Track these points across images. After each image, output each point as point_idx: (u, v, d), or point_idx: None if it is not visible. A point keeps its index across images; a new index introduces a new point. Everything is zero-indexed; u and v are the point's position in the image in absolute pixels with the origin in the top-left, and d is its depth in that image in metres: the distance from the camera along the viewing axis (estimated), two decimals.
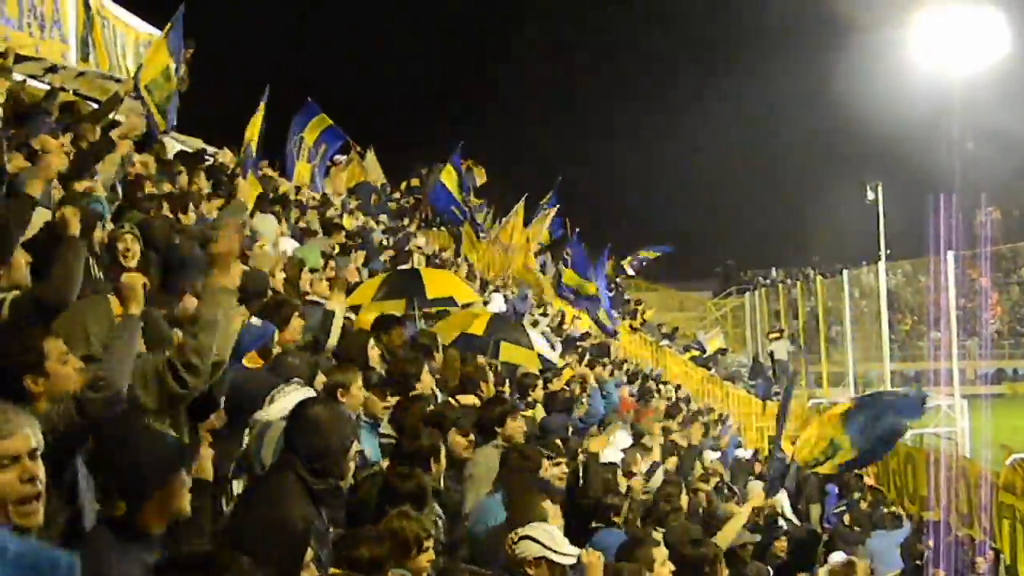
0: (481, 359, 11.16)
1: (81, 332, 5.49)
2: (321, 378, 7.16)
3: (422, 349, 9.41)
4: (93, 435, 4.39)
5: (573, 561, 6.09)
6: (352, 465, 5.31)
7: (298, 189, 20.57)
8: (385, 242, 20.35)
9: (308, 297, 10.41)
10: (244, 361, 7.07)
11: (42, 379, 4.51)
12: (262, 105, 17.10)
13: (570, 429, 11.67)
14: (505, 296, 21.91)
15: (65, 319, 5.71)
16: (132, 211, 9.77)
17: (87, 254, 7.03)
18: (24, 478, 3.41)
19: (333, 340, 8.55)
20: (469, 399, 9.39)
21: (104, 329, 5.53)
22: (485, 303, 17.42)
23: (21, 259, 6.47)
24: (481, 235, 29.38)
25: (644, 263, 42.16)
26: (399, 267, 13.75)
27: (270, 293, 9.14)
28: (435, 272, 13.27)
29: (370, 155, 29.42)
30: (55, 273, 6.17)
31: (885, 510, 19.21)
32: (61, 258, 6.23)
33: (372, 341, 8.66)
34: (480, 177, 32.85)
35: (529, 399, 12.06)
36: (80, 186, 8.98)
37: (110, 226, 8.61)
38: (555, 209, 32.34)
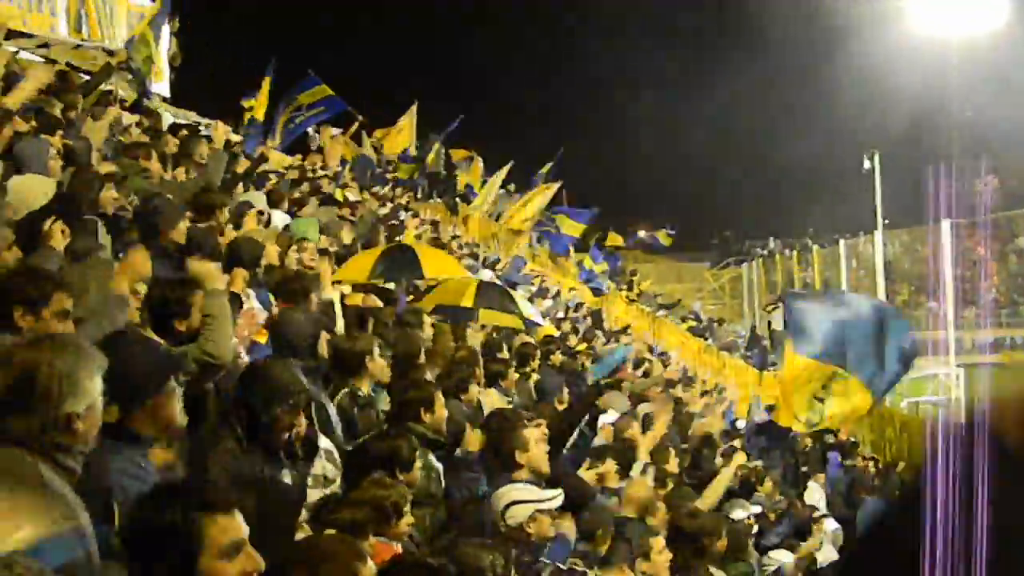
0: (473, 338, 11.05)
1: (81, 289, 5.46)
2: (325, 336, 7.18)
3: (407, 325, 9.37)
4: None
5: (560, 501, 6.25)
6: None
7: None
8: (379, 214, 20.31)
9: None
10: (257, 336, 7.14)
11: (31, 318, 4.60)
12: (267, 79, 16.96)
13: (565, 391, 11.66)
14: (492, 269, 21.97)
15: (68, 275, 5.74)
16: (133, 178, 9.79)
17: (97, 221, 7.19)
18: None
19: (339, 327, 8.53)
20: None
21: (102, 293, 5.59)
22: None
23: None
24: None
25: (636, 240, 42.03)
26: (391, 244, 13.56)
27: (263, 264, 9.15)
28: (429, 250, 13.13)
29: (408, 121, 29.37)
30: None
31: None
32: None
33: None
34: (475, 173, 32.97)
35: (528, 368, 12.06)
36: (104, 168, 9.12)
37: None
38: (557, 185, 32.46)
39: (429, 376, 8.54)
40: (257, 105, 16.59)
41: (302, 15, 57.13)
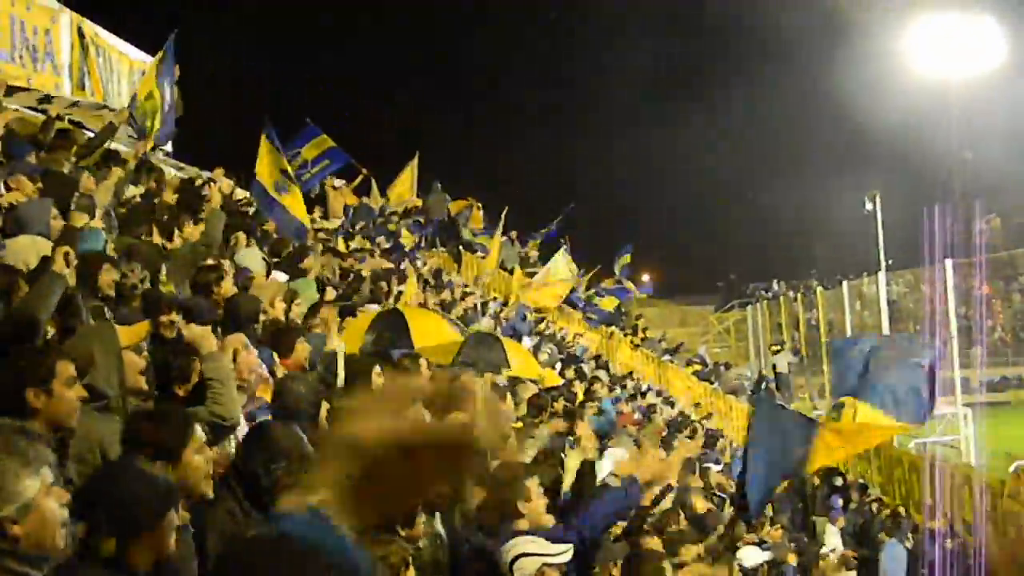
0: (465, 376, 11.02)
1: (87, 359, 5.51)
2: (326, 406, 7.19)
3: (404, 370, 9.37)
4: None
5: (570, 556, 6.21)
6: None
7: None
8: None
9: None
10: (261, 392, 7.14)
11: (44, 396, 4.62)
12: (263, 139, 16.78)
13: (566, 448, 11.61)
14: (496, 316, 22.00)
15: (73, 345, 5.77)
16: (120, 236, 9.83)
17: (96, 299, 7.18)
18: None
19: (340, 380, 8.55)
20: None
21: (111, 359, 5.60)
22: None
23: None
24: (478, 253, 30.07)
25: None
26: (382, 311, 13.52)
27: (263, 320, 9.17)
28: (418, 313, 13.09)
29: (409, 170, 29.60)
30: (28, 300, 6.24)
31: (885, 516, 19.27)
32: (37, 287, 6.30)
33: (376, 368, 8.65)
34: (476, 221, 33.15)
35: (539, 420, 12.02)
36: (78, 221, 9.07)
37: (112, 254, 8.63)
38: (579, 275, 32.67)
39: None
40: (260, 168, 16.54)
41: (302, 15, 57.51)
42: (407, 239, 27.17)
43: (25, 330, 5.81)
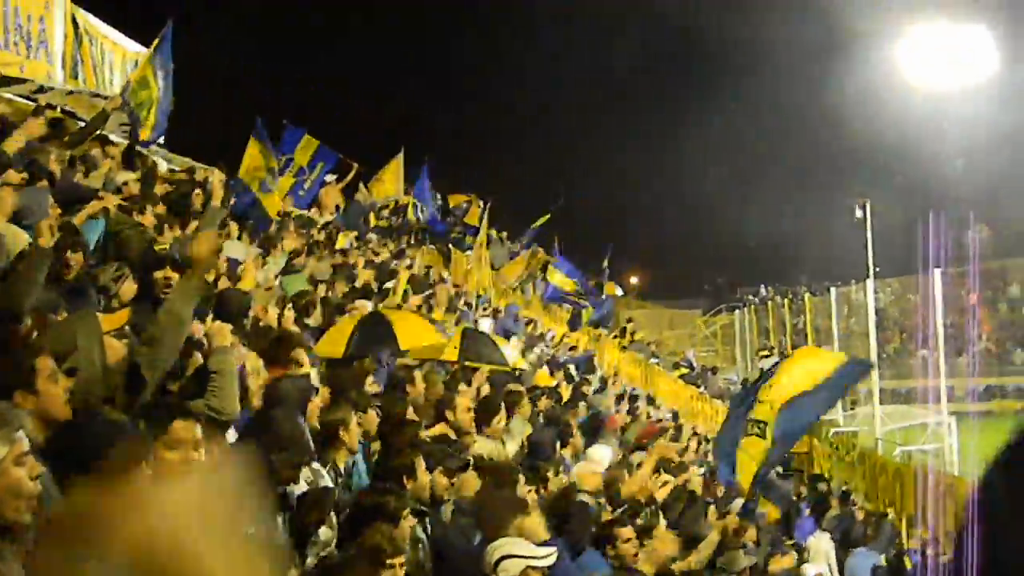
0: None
1: (70, 345, 5.52)
2: (318, 398, 7.18)
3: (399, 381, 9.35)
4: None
5: (553, 559, 6.22)
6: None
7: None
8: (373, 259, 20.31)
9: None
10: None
11: (32, 396, 4.65)
12: (252, 140, 16.87)
13: (558, 444, 11.63)
14: (495, 316, 21.97)
15: (55, 331, 5.78)
16: (126, 232, 9.74)
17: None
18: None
19: (323, 397, 8.41)
20: (439, 429, 9.19)
21: (93, 344, 5.60)
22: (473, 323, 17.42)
23: None
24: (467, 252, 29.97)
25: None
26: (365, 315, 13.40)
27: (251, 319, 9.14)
28: (404, 316, 13.04)
29: (394, 166, 29.47)
30: (13, 279, 6.20)
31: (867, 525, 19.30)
32: (22, 266, 6.28)
33: None
34: (472, 218, 32.95)
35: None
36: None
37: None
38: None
39: (418, 429, 8.52)
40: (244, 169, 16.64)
41: (294, 15, 57.71)
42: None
43: (6, 312, 5.82)
